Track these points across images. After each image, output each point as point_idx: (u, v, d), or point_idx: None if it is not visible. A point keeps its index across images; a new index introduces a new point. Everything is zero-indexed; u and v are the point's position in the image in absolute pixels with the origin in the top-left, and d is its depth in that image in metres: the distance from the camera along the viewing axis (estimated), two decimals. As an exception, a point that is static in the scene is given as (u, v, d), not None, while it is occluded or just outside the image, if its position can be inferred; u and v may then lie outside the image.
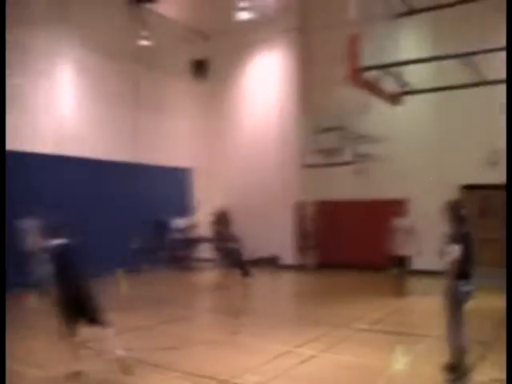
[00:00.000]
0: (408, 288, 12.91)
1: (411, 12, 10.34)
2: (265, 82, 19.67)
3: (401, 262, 12.59)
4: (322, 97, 16.47)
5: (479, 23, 14.54)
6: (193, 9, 20.39)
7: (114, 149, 17.43)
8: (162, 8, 19.08)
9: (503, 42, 10.34)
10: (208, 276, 17.86)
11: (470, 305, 6.36)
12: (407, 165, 16.54)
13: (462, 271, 6.15)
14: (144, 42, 18.28)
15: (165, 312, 11.16)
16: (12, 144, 13.57)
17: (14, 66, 14.16)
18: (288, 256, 18.30)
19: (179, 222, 18.95)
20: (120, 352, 6.66)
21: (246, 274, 14.77)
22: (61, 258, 6.47)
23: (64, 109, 16.17)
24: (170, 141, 19.66)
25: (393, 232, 12.73)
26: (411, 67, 10.85)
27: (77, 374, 6.60)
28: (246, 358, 7.55)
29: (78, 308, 6.49)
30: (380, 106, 12.82)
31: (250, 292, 14.34)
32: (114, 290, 13.66)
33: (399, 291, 12.60)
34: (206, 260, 19.37)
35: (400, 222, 12.78)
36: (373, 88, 10.54)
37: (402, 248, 12.42)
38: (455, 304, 6.24)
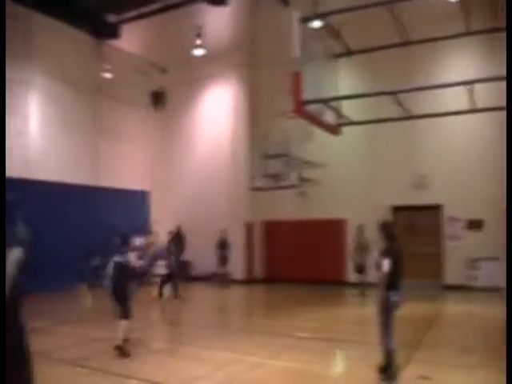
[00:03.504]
0: (364, 293, 13.76)
1: (348, 53, 10.67)
2: (217, 112, 19.75)
3: (361, 271, 13.99)
4: (269, 126, 16.67)
5: (408, 65, 15.20)
6: (151, 44, 20.48)
7: (76, 172, 17.21)
8: (123, 43, 19.08)
9: (428, 82, 10.81)
10: (165, 290, 17.67)
11: (398, 312, 6.57)
12: (345, 188, 16.93)
13: (392, 283, 6.35)
14: (105, 74, 18.20)
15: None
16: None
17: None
18: (238, 271, 18.30)
19: (137, 240, 18.65)
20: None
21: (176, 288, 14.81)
22: None
23: (30, 135, 15.86)
24: (128, 165, 19.51)
25: (353, 247, 14.36)
26: (349, 101, 11.20)
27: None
28: (195, 366, 7.46)
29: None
30: (321, 136, 13.12)
31: (202, 304, 14.33)
32: (78, 304, 13.34)
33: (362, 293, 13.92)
34: (162, 275, 19.16)
35: (358, 239, 14.28)
36: (314, 119, 10.74)
37: (361, 260, 13.95)
38: (386, 312, 6.42)
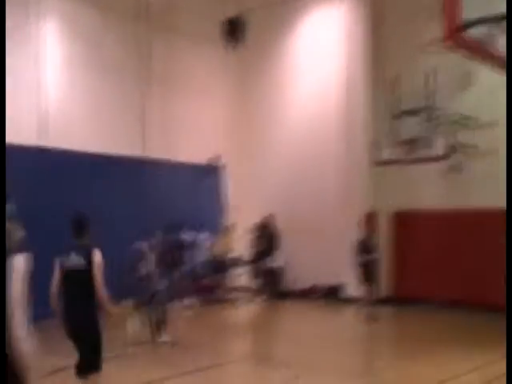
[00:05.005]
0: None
1: None
2: (321, 49, 19.48)
3: None
4: (402, 67, 16.14)
5: None
6: None
7: (114, 140, 17.34)
8: None
9: None
10: (244, 311, 18.07)
11: None
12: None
13: None
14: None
15: (186, 360, 11.08)
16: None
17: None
18: (353, 285, 17.92)
19: (205, 239, 18.74)
20: None
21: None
22: None
23: (49, 86, 16.12)
24: (191, 129, 19.61)
25: None
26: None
27: None
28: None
29: None
30: (488, 77, 12.44)
31: (302, 333, 14.30)
32: (119, 331, 13.51)
33: None
34: (243, 289, 19.31)
35: None
36: (479, 51, 10.28)
37: None
38: None
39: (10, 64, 14.95)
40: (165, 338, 12.12)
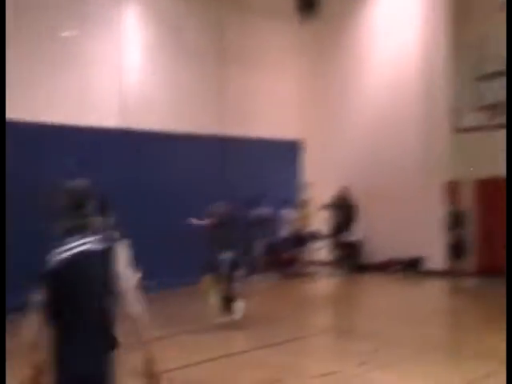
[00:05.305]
0: None
1: None
2: (399, 12, 19.05)
3: None
4: (487, 26, 15.50)
5: None
6: None
7: (194, 118, 17.58)
8: None
9: None
10: (323, 284, 18.04)
11: None
12: None
13: None
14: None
15: (266, 333, 11.12)
16: (62, 115, 13.99)
17: (64, 15, 14.40)
18: (435, 257, 17.73)
19: (284, 214, 18.78)
20: None
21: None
22: None
23: (130, 69, 16.43)
24: (268, 105, 19.61)
25: None
26: None
27: None
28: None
29: None
30: None
31: (381, 306, 14.23)
32: (200, 304, 13.59)
33: None
34: (322, 263, 19.23)
35: None
36: None
37: None
38: None
39: (92, 48, 15.42)
40: (232, 315, 11.95)
